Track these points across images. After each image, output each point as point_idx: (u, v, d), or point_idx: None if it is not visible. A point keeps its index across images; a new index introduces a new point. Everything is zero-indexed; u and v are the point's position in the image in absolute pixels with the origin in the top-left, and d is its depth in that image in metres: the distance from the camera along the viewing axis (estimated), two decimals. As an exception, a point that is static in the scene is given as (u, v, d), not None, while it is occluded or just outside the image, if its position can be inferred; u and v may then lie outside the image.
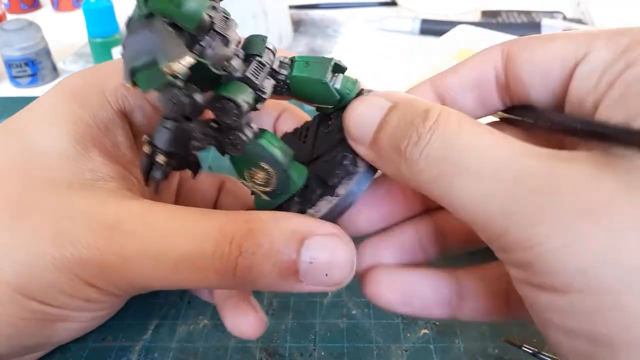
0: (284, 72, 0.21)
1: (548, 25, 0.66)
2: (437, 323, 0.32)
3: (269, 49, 0.21)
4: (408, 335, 0.31)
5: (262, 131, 0.21)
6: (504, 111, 0.23)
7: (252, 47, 0.21)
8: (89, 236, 0.21)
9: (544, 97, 0.21)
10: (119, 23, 0.61)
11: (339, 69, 0.22)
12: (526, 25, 0.68)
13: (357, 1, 0.79)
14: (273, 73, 0.21)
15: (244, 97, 0.19)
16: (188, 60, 0.18)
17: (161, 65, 0.17)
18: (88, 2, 0.58)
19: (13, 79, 0.63)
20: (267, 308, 0.33)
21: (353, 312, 0.33)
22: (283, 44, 0.69)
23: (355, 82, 0.22)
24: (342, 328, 0.32)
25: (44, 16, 0.82)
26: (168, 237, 0.20)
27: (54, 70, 0.65)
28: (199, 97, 0.19)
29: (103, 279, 0.21)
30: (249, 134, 0.20)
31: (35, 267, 0.21)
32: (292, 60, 0.22)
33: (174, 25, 0.18)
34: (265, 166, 0.20)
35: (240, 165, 0.21)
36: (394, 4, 0.79)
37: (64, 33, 0.73)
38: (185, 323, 0.32)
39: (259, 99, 0.21)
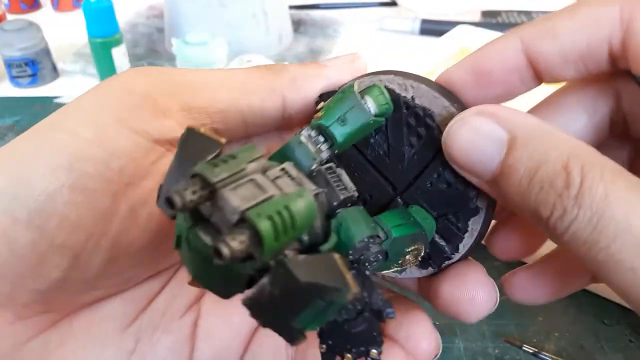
0: (326, 149, 0.18)
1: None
2: (437, 323, 0.32)
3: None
4: (408, 335, 0.31)
5: (382, 224, 0.19)
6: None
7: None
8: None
9: None
10: (119, 23, 0.61)
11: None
12: (526, 25, 0.68)
13: (357, 1, 0.79)
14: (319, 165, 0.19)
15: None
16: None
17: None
18: (88, 2, 0.57)
19: (13, 79, 0.63)
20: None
21: (353, 312, 0.33)
22: (283, 44, 0.69)
23: (382, 92, 0.19)
24: (342, 328, 0.32)
25: (44, 16, 0.82)
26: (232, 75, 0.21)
27: (54, 70, 0.65)
28: None
29: (173, 98, 0.20)
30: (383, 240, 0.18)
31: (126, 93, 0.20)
32: (325, 130, 0.18)
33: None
34: (413, 248, 0.19)
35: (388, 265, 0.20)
36: (394, 4, 0.79)
37: (64, 33, 0.73)
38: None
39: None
